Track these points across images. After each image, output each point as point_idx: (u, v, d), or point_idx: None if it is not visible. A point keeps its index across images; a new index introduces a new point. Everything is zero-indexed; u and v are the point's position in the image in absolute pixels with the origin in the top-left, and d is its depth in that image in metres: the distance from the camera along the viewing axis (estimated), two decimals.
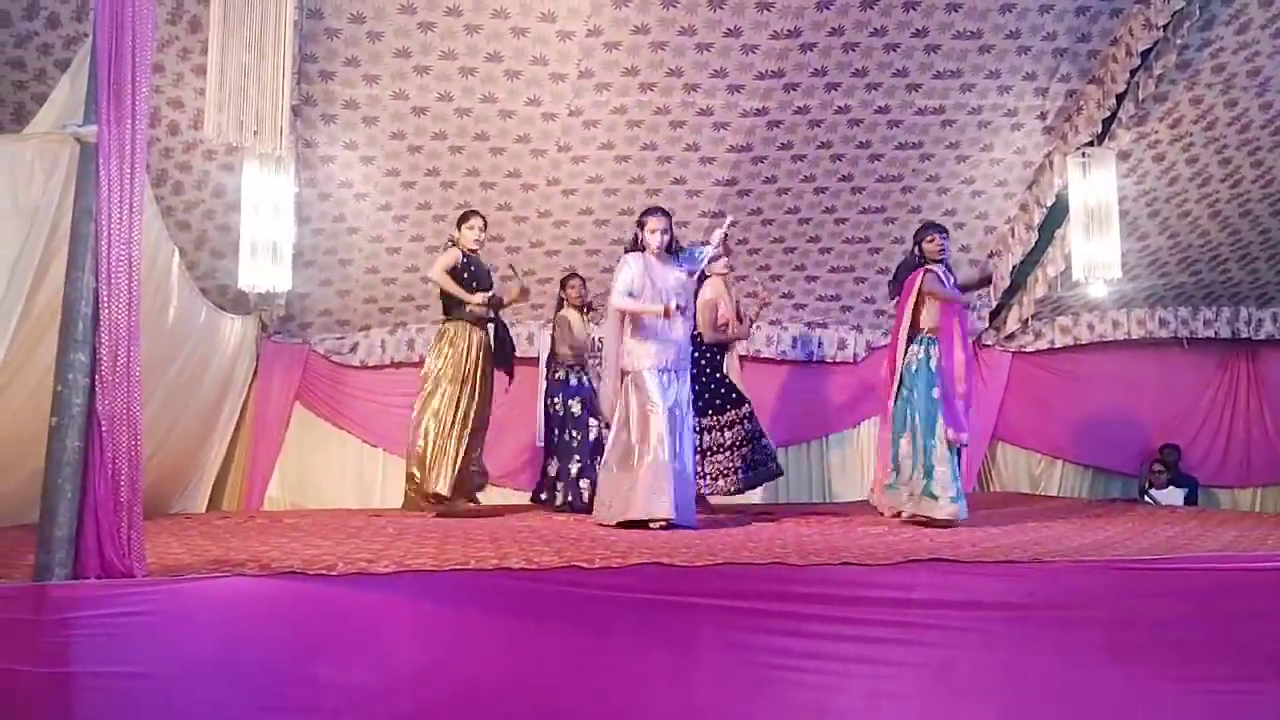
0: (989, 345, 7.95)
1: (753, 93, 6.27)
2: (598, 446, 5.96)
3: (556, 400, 6.24)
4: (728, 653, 2.61)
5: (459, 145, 6.38)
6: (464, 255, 5.85)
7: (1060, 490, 8.05)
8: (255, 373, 7.04)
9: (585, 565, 2.63)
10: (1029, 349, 8.00)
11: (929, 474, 4.76)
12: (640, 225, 5.22)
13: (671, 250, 5.22)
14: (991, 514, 5.12)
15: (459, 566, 2.60)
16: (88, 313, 2.45)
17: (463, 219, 5.94)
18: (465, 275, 5.84)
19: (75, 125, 2.59)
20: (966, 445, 4.97)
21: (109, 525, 2.42)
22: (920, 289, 5.11)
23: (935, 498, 4.59)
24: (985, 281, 6.14)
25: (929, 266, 5.19)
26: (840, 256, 7.46)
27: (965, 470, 7.72)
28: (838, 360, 7.86)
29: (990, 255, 7.58)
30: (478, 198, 6.68)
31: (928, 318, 5.10)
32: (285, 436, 7.11)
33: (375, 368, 7.34)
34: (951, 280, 5.20)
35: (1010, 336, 7.95)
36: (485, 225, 5.95)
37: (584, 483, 5.98)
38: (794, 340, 7.84)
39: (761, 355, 7.79)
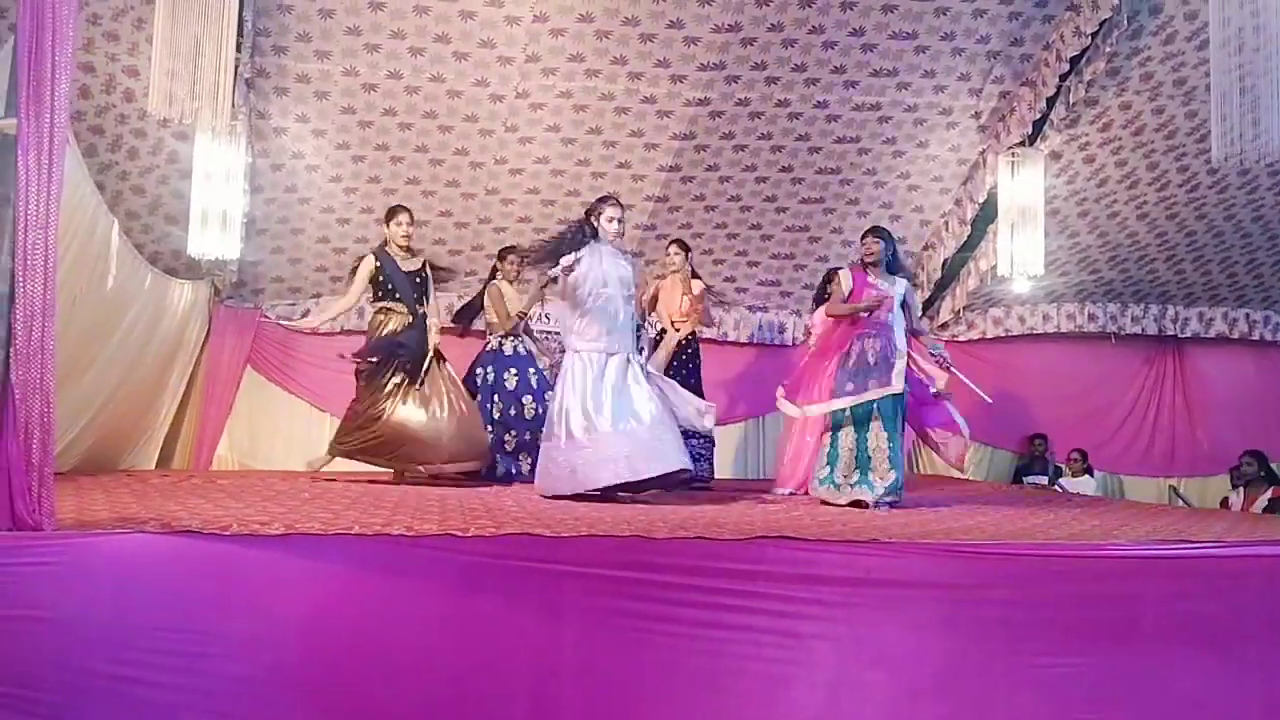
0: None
1: (695, 83, 6.48)
2: (537, 419, 6.03)
3: (488, 370, 6.33)
4: (588, 617, 2.87)
5: (408, 122, 6.56)
6: (379, 262, 5.79)
7: (985, 474, 8.36)
8: (207, 336, 7.23)
9: (459, 533, 2.88)
10: (961, 338, 8.29)
11: (866, 465, 4.98)
12: (595, 214, 5.10)
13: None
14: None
15: (343, 531, 2.85)
16: (3, 291, 2.67)
17: (390, 215, 5.95)
18: (383, 282, 5.80)
19: None
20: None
21: (20, 484, 2.66)
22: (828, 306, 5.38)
23: (871, 486, 4.85)
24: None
25: (844, 268, 5.46)
26: (781, 244, 7.71)
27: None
28: (777, 343, 8.12)
29: (925, 248, 7.84)
30: (426, 173, 6.88)
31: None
32: (236, 399, 7.31)
33: (326, 334, 7.49)
34: (877, 288, 5.22)
35: (944, 326, 8.23)
36: (412, 219, 5.92)
37: (524, 455, 6.09)
38: (735, 323, 8.09)
39: (703, 336, 8.01)
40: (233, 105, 6.25)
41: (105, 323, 4.97)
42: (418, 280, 5.89)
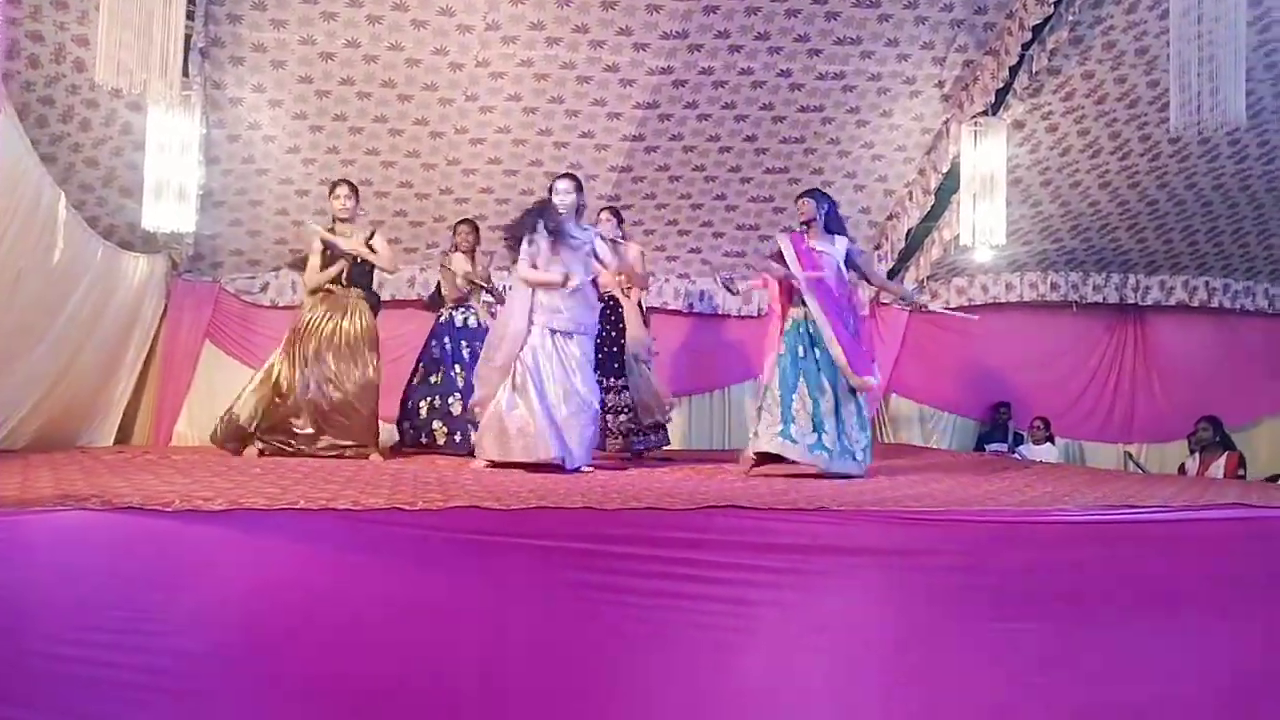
0: (886, 303, 8.25)
1: (658, 52, 6.42)
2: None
3: (444, 341, 6.32)
4: (538, 589, 2.87)
5: (366, 91, 6.47)
6: (322, 242, 5.73)
7: (950, 443, 8.43)
8: (165, 311, 7.13)
9: (406, 506, 2.87)
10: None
11: (819, 427, 5.00)
12: (550, 189, 5.24)
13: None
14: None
15: (288, 506, 2.82)
16: None
17: (330, 190, 5.87)
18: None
19: None
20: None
21: None
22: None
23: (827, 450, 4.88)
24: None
25: (784, 231, 5.49)
26: (746, 215, 7.68)
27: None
28: (743, 314, 8.12)
29: (889, 218, 7.85)
30: (386, 143, 6.79)
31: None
32: (195, 374, 7.23)
33: (286, 308, 7.42)
34: (814, 247, 5.27)
35: None
36: (351, 191, 5.81)
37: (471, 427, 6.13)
38: (700, 293, 8.08)
39: (669, 307, 8.03)
40: (186, 75, 6.19)
41: (54, 297, 4.89)
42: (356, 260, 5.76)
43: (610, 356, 6.17)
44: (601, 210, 6.39)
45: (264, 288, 7.42)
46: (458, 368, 6.24)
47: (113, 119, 6.37)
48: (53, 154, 6.41)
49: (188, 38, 6.05)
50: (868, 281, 6.18)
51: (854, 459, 4.96)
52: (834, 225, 5.35)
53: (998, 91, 6.85)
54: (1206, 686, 3.41)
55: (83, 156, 6.51)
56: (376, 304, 6.01)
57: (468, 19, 6.10)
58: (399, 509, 2.85)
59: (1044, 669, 3.24)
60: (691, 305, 8.09)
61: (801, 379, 5.07)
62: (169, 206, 6.08)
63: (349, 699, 2.70)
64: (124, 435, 6.95)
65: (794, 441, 4.93)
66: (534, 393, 4.81)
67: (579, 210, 5.23)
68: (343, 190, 5.80)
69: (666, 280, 8.02)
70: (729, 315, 8.13)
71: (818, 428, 4.99)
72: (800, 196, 5.47)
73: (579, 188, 5.22)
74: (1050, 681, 3.24)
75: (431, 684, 2.78)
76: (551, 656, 2.86)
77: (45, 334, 5.00)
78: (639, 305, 6.36)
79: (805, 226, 5.33)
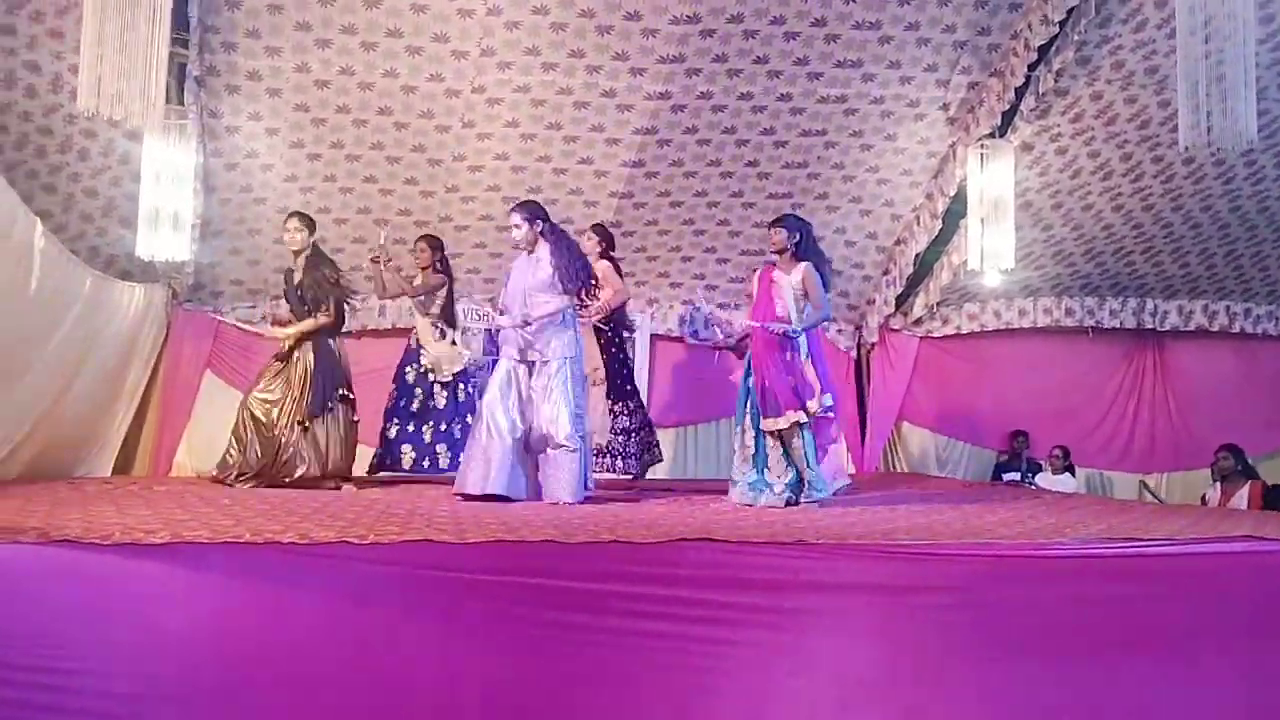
0: (896, 330, 8.10)
1: (655, 76, 6.35)
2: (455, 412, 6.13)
3: (414, 366, 6.26)
4: (495, 626, 2.73)
5: (362, 119, 6.43)
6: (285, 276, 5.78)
7: (966, 472, 8.23)
8: (166, 340, 7.10)
9: (356, 540, 2.75)
10: (936, 334, 8.16)
11: (762, 464, 4.90)
12: None
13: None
14: (860, 496, 5.27)
15: (233, 539, 2.71)
16: None
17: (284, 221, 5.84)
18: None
19: None
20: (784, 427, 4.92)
21: None
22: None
23: (769, 486, 4.75)
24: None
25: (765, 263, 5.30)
26: (750, 240, 7.57)
27: (867, 451, 7.93)
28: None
29: (896, 243, 7.71)
30: (384, 171, 6.75)
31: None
32: (195, 403, 7.17)
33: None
34: (774, 280, 5.15)
35: (918, 321, 8.09)
36: (303, 224, 5.71)
37: (440, 447, 6.07)
38: (706, 321, 7.94)
39: (673, 334, 7.91)
40: (181, 103, 6.20)
41: (36, 327, 4.84)
42: (298, 293, 5.71)
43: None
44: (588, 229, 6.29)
45: (265, 317, 7.37)
46: (419, 391, 6.18)
47: (111, 149, 6.37)
48: (52, 184, 6.44)
49: (183, 65, 6.07)
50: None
51: (773, 491, 4.84)
52: (806, 252, 5.17)
53: (1004, 113, 6.71)
54: None
55: (82, 186, 6.52)
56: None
57: (462, 45, 6.05)
58: (347, 542, 2.73)
59: (1039, 714, 3.06)
60: (696, 332, 7.94)
61: (746, 414, 5.09)
62: (164, 235, 6.05)
63: None
64: (124, 465, 6.89)
65: (734, 482, 5.00)
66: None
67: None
68: (291, 223, 5.74)
69: (671, 307, 7.91)
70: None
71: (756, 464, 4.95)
72: (771, 224, 5.29)
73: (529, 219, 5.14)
74: None
75: None
76: (508, 700, 2.72)
77: (30, 364, 4.95)
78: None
79: (778, 255, 5.17)
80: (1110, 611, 3.12)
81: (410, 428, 6.16)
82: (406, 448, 6.13)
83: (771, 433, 4.90)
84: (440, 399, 6.18)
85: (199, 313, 7.26)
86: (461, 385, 6.26)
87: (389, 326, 7.42)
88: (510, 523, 3.33)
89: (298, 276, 5.72)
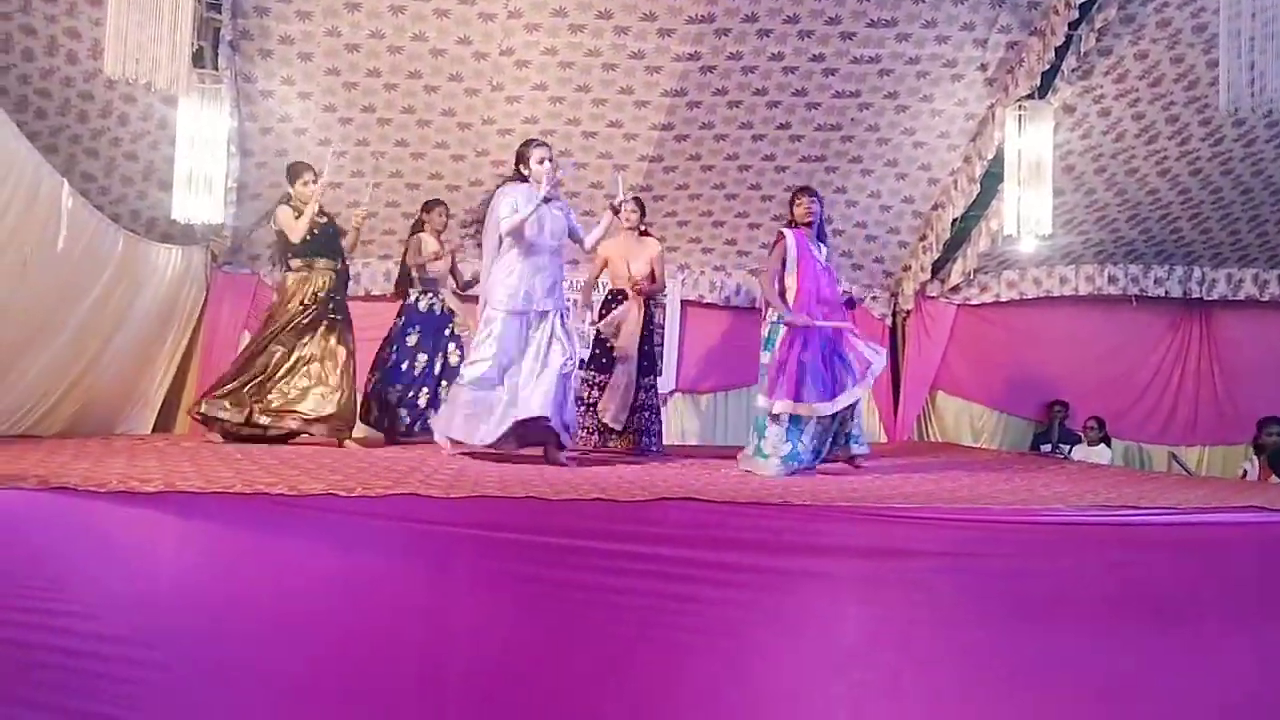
0: (933, 297, 7.97)
1: (684, 37, 6.28)
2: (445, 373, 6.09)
3: (402, 321, 6.24)
4: (480, 580, 2.79)
5: (393, 82, 6.48)
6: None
7: (1001, 442, 8.11)
8: (205, 301, 7.27)
9: (343, 493, 2.81)
10: (974, 301, 8.02)
11: (760, 433, 4.72)
12: (524, 160, 4.99)
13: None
14: (883, 463, 5.22)
15: (222, 490, 2.79)
16: None
17: (294, 174, 5.85)
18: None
19: None
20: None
21: None
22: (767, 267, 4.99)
23: (766, 457, 4.62)
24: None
25: (785, 230, 4.97)
26: (782, 205, 7.44)
27: (900, 420, 7.84)
28: None
29: (934, 207, 7.57)
30: (415, 135, 6.80)
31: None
32: None
33: None
34: (819, 247, 4.97)
35: (955, 289, 7.96)
36: (316, 177, 5.73)
37: (431, 412, 5.96)
38: (737, 287, 7.92)
39: (705, 300, 7.90)
40: (216, 68, 6.30)
41: (69, 286, 4.98)
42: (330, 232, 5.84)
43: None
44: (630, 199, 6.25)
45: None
46: (422, 356, 6.16)
47: (149, 114, 6.51)
48: (94, 148, 6.62)
49: (217, 30, 6.17)
50: None
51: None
52: (822, 231, 5.07)
53: (1044, 74, 6.52)
54: (1222, 704, 3.15)
55: (123, 150, 6.69)
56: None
57: (489, 6, 6.05)
58: (334, 495, 2.79)
59: (1033, 682, 3.03)
60: (728, 299, 7.93)
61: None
62: (199, 198, 6.17)
63: (276, 686, 2.66)
64: (164, 424, 7.10)
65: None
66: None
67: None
68: (307, 175, 5.79)
69: (702, 273, 7.88)
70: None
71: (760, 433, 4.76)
72: (801, 192, 5.06)
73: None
74: (1039, 697, 3.03)
75: (369, 676, 2.72)
76: (496, 651, 2.77)
77: (65, 322, 5.10)
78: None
79: (806, 227, 4.94)
80: (1106, 579, 3.07)
81: (411, 393, 6.12)
82: (404, 411, 6.09)
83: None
84: (454, 357, 6.18)
85: (238, 275, 7.41)
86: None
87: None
88: (501, 479, 3.38)
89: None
